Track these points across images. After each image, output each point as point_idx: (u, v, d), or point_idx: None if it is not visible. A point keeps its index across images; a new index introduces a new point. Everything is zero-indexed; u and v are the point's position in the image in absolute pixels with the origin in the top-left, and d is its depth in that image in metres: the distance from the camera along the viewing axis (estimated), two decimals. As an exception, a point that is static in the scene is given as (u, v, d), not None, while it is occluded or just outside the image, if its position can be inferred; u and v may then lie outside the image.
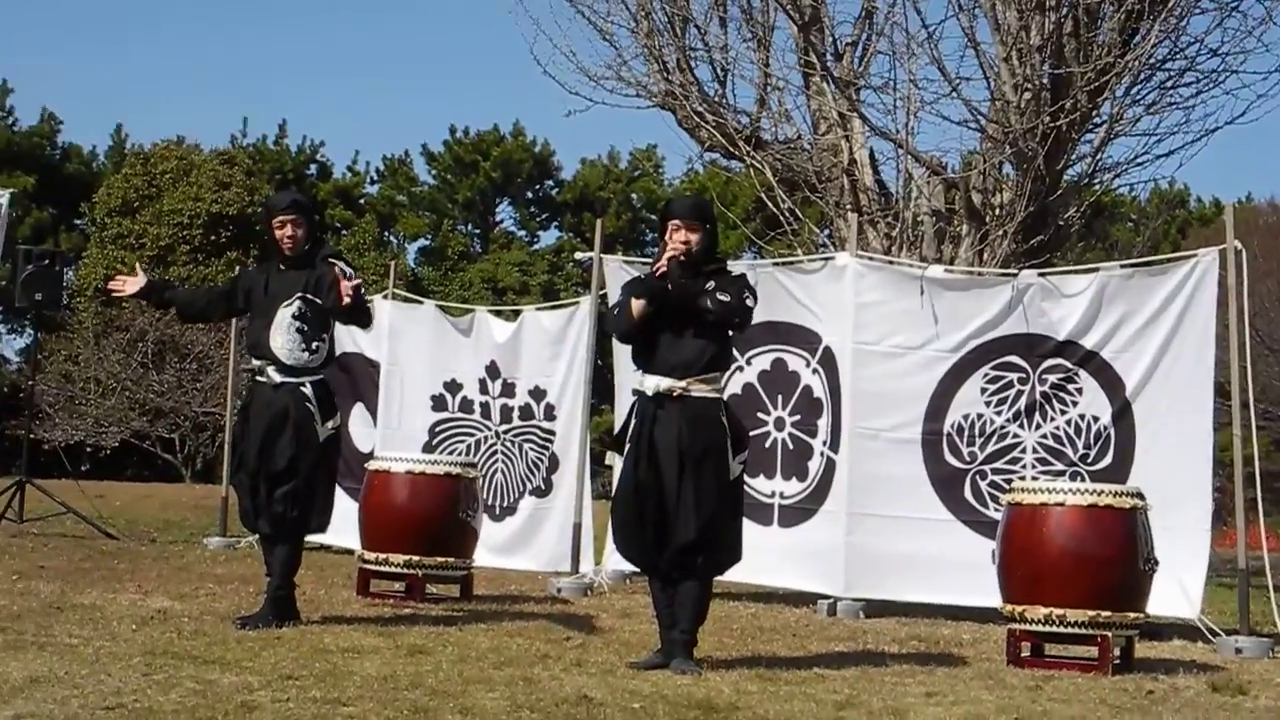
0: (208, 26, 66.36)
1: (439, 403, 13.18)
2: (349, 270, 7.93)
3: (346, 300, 7.71)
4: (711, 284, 6.99)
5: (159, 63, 67.00)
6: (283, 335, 7.83)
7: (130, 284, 8.21)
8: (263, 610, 7.85)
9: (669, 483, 6.87)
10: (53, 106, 46.77)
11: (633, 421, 7.13)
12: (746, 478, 7.49)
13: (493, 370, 12.97)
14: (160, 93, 66.45)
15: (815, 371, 10.82)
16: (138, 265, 8.50)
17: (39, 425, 29.62)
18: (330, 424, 7.96)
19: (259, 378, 7.94)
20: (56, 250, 19.54)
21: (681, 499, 6.84)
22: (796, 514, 10.79)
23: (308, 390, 7.87)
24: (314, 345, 7.90)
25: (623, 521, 7.15)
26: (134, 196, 38.43)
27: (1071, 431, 10.03)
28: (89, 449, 33.58)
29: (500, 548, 12.36)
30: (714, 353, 7.04)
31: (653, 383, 7.01)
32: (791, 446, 10.91)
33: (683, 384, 6.94)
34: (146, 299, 8.55)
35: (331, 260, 7.98)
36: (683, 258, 7.00)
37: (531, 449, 12.75)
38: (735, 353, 8.13)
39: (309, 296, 7.87)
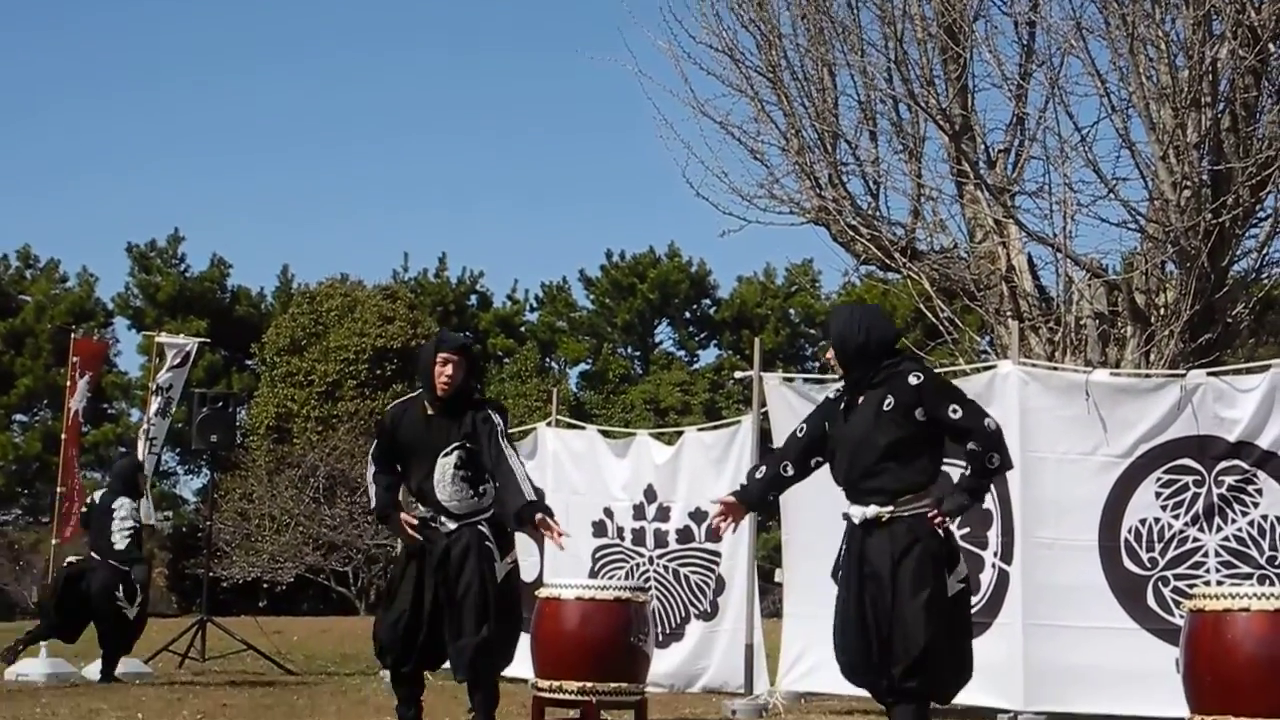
0: (367, 162, 68.13)
1: (599, 529, 13.17)
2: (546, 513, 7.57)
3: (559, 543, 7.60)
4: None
5: (322, 204, 68.88)
6: (448, 486, 7.66)
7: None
8: None
9: (883, 609, 6.44)
10: (222, 252, 48.27)
11: (842, 548, 6.76)
12: None
13: (650, 494, 12.92)
14: (324, 233, 68.23)
15: (983, 482, 10.63)
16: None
17: (217, 563, 30.27)
18: (508, 559, 7.82)
19: (431, 524, 7.76)
20: (230, 392, 20.09)
21: (896, 624, 6.41)
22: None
23: (484, 529, 7.72)
24: (481, 489, 7.75)
25: (842, 648, 6.69)
26: (301, 335, 39.37)
27: (1255, 533, 9.74)
28: (265, 585, 34.19)
29: (664, 674, 12.24)
30: (916, 470, 6.56)
31: (858, 512, 6.57)
32: (963, 559, 10.72)
33: (889, 510, 6.49)
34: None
35: (494, 418, 7.67)
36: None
37: (694, 573, 12.65)
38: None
39: (468, 445, 7.66)
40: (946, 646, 6.47)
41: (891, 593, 6.41)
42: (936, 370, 7.92)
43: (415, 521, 7.72)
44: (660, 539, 12.80)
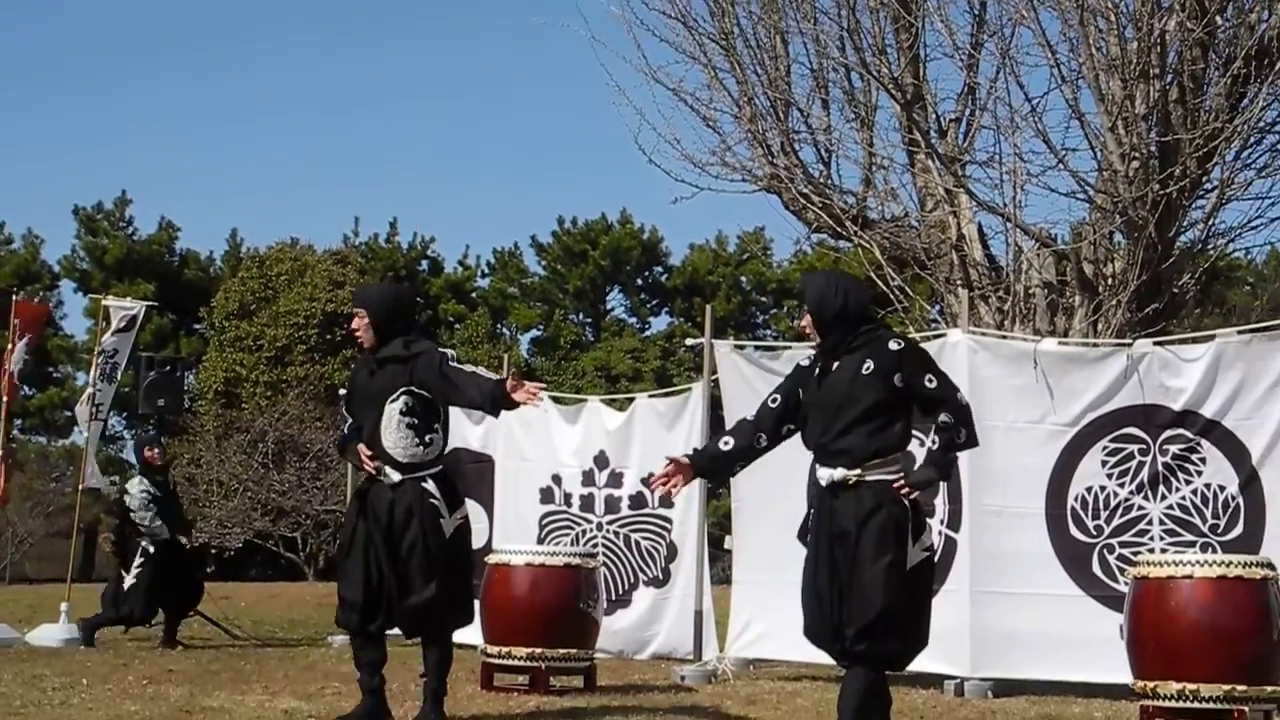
0: (317, 128, 67.70)
1: (547, 495, 13.16)
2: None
3: (534, 404, 7.64)
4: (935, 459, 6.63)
5: (272, 167, 68.42)
6: (393, 433, 7.60)
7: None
8: (423, 710, 7.69)
9: (845, 571, 6.42)
10: (170, 215, 47.89)
11: (810, 510, 6.72)
12: None
13: (601, 460, 12.93)
14: (274, 196, 67.81)
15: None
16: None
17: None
18: (457, 515, 7.72)
19: (377, 476, 7.68)
20: (177, 356, 19.94)
21: (854, 588, 6.38)
22: (918, 594, 10.63)
23: (429, 485, 7.62)
24: (428, 439, 7.67)
25: (809, 610, 6.66)
26: (250, 299, 39.12)
27: (1198, 501, 9.84)
28: (213, 550, 34.01)
29: (614, 640, 12.25)
30: (888, 435, 6.53)
31: (826, 474, 6.53)
32: (909, 526, 10.77)
33: (856, 473, 6.45)
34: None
35: (437, 351, 7.74)
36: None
37: (645, 539, 12.67)
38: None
39: (414, 390, 7.64)
40: (903, 613, 6.42)
41: (853, 556, 6.41)
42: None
43: (370, 452, 7.69)
44: (612, 505, 12.82)
